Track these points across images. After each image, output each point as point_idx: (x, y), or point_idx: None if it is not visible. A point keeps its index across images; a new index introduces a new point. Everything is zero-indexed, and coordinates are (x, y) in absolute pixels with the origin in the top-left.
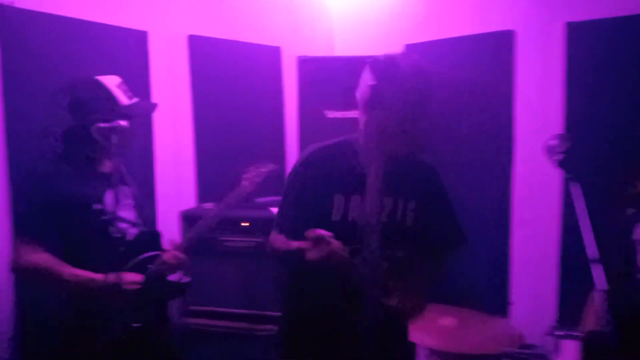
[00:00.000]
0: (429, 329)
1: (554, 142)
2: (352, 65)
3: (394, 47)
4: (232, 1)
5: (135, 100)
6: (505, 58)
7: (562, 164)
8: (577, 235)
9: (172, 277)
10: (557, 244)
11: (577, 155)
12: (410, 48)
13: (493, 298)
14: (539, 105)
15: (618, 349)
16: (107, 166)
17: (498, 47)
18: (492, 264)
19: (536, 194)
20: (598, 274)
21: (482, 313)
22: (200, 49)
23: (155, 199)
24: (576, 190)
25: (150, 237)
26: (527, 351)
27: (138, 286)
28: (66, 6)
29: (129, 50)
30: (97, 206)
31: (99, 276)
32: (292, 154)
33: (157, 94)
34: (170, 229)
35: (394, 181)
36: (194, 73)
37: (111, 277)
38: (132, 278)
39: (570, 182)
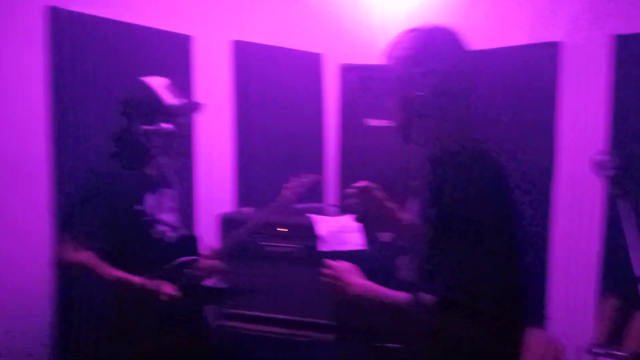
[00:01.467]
0: None
1: (604, 157)
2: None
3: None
4: (276, 7)
5: (181, 100)
6: (551, 68)
7: (613, 181)
8: (619, 251)
9: (208, 282)
10: (598, 260)
11: (626, 171)
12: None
13: (531, 312)
14: (583, 117)
15: None
16: (151, 168)
17: (543, 58)
18: (530, 278)
19: (577, 209)
20: None
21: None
22: (244, 54)
23: (195, 202)
24: (625, 207)
25: (189, 242)
26: None
27: (170, 298)
28: (115, 9)
29: (173, 53)
30: (138, 207)
31: (137, 280)
32: (331, 162)
33: (199, 98)
34: (208, 233)
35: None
36: (236, 78)
37: (149, 283)
38: (167, 289)
39: (619, 199)
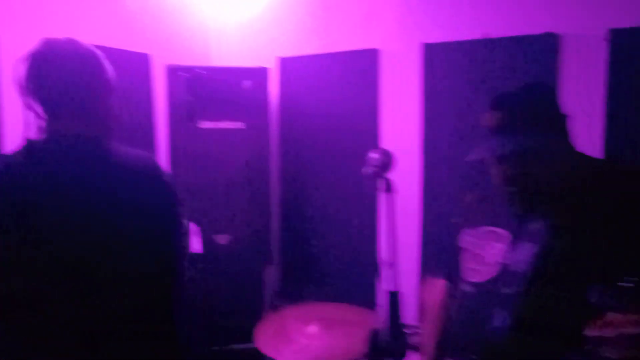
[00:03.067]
0: (292, 341)
1: (374, 154)
2: (224, 75)
3: (268, 59)
4: (101, 5)
5: None
6: (371, 74)
7: (372, 176)
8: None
9: None
10: (419, 241)
11: (383, 168)
12: (284, 61)
13: (364, 293)
14: (400, 120)
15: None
16: None
17: (364, 64)
18: (362, 264)
19: (400, 198)
20: (389, 277)
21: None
22: None
23: None
24: (383, 200)
25: None
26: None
27: None
28: None
29: None
30: None
31: None
32: (162, 163)
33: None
34: None
35: None
36: None
37: None
38: None
39: (379, 192)
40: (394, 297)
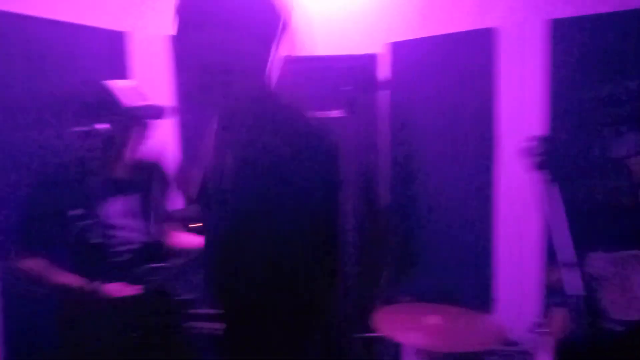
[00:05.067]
0: (415, 328)
1: (533, 143)
2: (332, 64)
3: (374, 45)
4: None
5: (142, 103)
6: (486, 55)
7: (540, 166)
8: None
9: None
10: (541, 241)
11: (556, 156)
12: (394, 46)
13: (477, 295)
14: (520, 104)
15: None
16: (118, 171)
17: (479, 45)
18: (476, 261)
19: (519, 191)
20: (573, 279)
21: (466, 310)
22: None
23: None
24: (552, 193)
25: (152, 248)
26: (510, 348)
27: (122, 294)
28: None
29: None
30: (74, 212)
31: (77, 282)
32: None
33: None
34: None
35: None
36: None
37: (90, 284)
38: (117, 288)
39: (549, 184)
40: (579, 301)
